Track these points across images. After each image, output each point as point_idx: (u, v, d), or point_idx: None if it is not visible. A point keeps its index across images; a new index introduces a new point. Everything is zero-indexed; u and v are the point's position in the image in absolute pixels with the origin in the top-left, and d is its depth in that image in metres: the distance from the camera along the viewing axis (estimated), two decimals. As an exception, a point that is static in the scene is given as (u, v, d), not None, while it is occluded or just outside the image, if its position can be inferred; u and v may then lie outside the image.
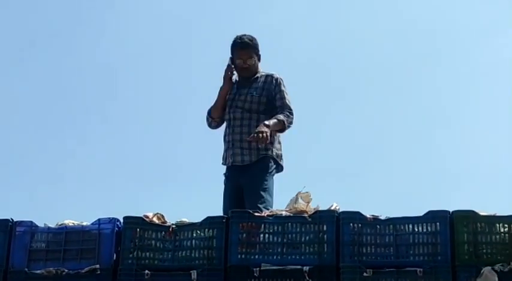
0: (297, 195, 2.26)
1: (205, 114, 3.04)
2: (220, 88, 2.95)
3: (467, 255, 2.04)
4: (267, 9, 7.82)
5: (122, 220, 2.17)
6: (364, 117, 7.25)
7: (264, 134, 2.62)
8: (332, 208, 2.16)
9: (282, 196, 2.68)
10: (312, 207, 2.18)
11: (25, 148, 6.94)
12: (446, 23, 7.34)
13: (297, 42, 7.64)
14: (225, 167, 2.93)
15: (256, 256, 2.10)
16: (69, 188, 6.69)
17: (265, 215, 2.22)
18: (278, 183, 2.88)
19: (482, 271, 1.99)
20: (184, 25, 7.58)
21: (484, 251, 2.05)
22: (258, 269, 2.04)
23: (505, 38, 6.95)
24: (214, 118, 2.99)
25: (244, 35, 2.93)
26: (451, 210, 2.08)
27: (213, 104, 2.98)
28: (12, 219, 2.20)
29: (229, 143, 2.87)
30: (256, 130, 2.65)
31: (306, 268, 2.02)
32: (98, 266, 2.11)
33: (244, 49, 2.91)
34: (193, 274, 2.06)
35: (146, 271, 2.08)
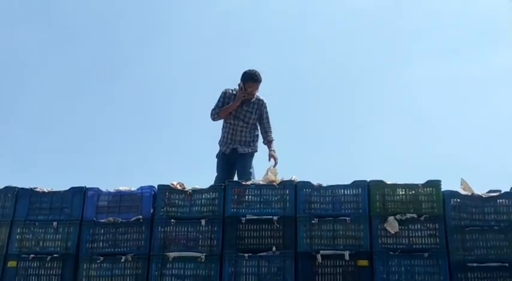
0: (267, 170, 3.39)
1: (212, 110, 4.28)
2: (225, 110, 4.23)
3: (378, 209, 3.14)
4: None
5: (156, 187, 3.31)
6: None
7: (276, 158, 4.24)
8: (292, 179, 3.26)
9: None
10: (278, 178, 3.29)
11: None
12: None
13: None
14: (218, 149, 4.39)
15: (243, 210, 3.22)
16: (123, 163, 9.60)
17: (249, 183, 3.35)
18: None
19: (387, 219, 3.11)
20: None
21: (389, 206, 3.15)
22: (244, 218, 3.17)
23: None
24: (220, 117, 4.27)
25: (256, 71, 4.17)
26: (368, 179, 3.19)
27: (223, 108, 4.21)
28: (85, 186, 3.35)
29: (232, 140, 4.24)
30: (275, 156, 4.24)
31: (275, 218, 3.14)
32: (140, 216, 3.25)
33: (256, 83, 4.18)
34: (203, 221, 3.20)
35: (172, 220, 3.22)
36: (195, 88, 10.68)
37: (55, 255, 3.20)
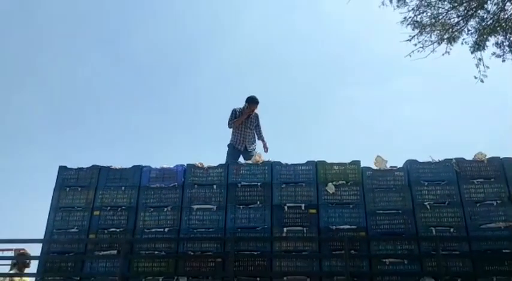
0: (255, 155, 5.34)
1: (229, 121, 6.75)
2: (237, 120, 6.77)
3: (322, 178, 5.03)
4: None
5: (185, 165, 5.27)
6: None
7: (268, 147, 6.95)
8: (269, 160, 5.20)
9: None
10: (262, 159, 5.23)
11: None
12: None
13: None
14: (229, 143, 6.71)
15: (239, 179, 5.14)
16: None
17: (243, 163, 5.31)
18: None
19: (327, 184, 4.99)
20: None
21: (329, 176, 5.04)
22: (240, 184, 5.10)
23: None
24: (234, 126, 6.73)
25: (256, 96, 6.77)
26: (316, 160, 5.11)
27: (236, 120, 6.68)
28: (141, 164, 5.32)
29: (243, 140, 6.76)
30: (267, 146, 7.00)
31: (259, 183, 5.07)
32: (176, 183, 5.19)
33: (256, 104, 6.76)
34: (214, 186, 5.14)
35: (195, 185, 5.16)
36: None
37: (123, 207, 5.15)
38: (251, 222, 4.90)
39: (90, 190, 5.26)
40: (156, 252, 4.86)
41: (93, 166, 5.40)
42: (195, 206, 5.04)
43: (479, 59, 8.55)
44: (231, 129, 6.83)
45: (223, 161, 5.83)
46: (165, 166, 5.31)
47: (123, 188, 5.22)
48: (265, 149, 6.94)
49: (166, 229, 4.96)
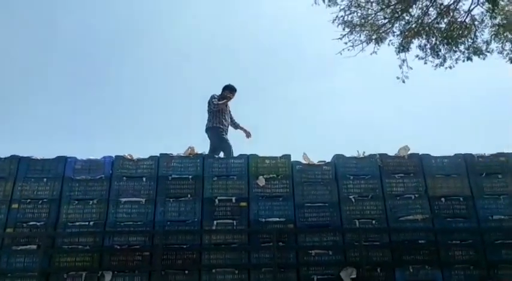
0: (188, 148, 5.26)
1: (215, 104, 6.69)
2: (224, 102, 6.85)
3: (253, 171, 5.07)
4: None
5: (114, 156, 5.09)
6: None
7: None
8: (202, 153, 5.18)
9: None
10: (194, 152, 5.18)
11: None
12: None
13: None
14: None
15: (171, 171, 5.05)
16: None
17: (174, 155, 5.22)
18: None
19: (258, 177, 5.05)
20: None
21: (260, 170, 5.11)
22: (171, 177, 5.01)
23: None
24: (218, 108, 6.76)
25: (234, 85, 6.99)
26: (248, 154, 5.15)
27: (220, 103, 6.76)
28: (66, 156, 5.06)
29: (226, 123, 6.83)
30: (247, 130, 7.14)
31: (190, 176, 5.01)
32: (103, 175, 5.01)
33: (235, 92, 6.83)
34: (144, 179, 5.02)
35: (124, 177, 5.00)
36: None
37: (45, 200, 4.89)
38: (181, 215, 4.86)
39: (9, 182, 4.96)
40: (80, 246, 4.67)
41: (12, 156, 5.08)
42: (123, 199, 4.90)
43: (403, 60, 9.09)
44: (210, 114, 6.79)
45: (156, 153, 5.70)
46: (92, 157, 5.10)
47: (45, 179, 4.97)
48: (248, 134, 7.07)
49: (91, 223, 4.79)
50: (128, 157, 5.11)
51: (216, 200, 4.93)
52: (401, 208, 4.97)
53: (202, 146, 6.36)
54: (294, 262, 4.69)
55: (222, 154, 6.25)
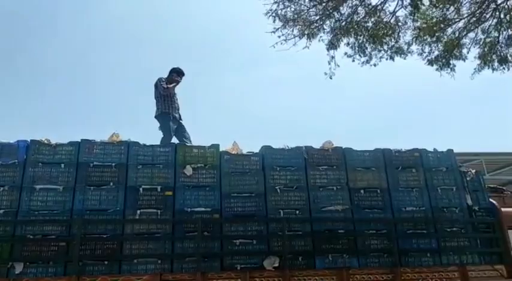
0: (112, 134, 5.03)
1: (164, 88, 6.57)
2: (173, 86, 6.80)
3: (180, 160, 4.98)
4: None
5: (29, 140, 4.74)
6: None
7: None
8: (127, 140, 4.98)
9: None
10: (119, 139, 4.97)
11: None
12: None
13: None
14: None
15: (92, 158, 4.80)
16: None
17: (98, 141, 4.96)
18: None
19: (186, 167, 4.98)
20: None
21: (187, 159, 5.02)
22: (92, 164, 4.77)
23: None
24: (168, 92, 6.68)
25: (181, 68, 6.93)
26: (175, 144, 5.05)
27: (170, 87, 6.71)
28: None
29: (175, 109, 6.73)
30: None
31: (113, 164, 4.80)
32: (16, 161, 4.65)
33: (182, 76, 6.72)
34: (62, 165, 4.73)
35: (40, 163, 4.68)
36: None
37: None
38: (102, 204, 4.65)
39: None
40: (-13, 237, 4.31)
41: None
42: (38, 186, 4.60)
43: (332, 57, 9.39)
44: (158, 100, 6.67)
45: (77, 138, 5.39)
46: (4, 140, 4.71)
47: None
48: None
49: (1, 211, 4.44)
50: (45, 141, 4.79)
51: (141, 189, 4.79)
52: (324, 199, 5.16)
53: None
54: (218, 251, 4.69)
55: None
